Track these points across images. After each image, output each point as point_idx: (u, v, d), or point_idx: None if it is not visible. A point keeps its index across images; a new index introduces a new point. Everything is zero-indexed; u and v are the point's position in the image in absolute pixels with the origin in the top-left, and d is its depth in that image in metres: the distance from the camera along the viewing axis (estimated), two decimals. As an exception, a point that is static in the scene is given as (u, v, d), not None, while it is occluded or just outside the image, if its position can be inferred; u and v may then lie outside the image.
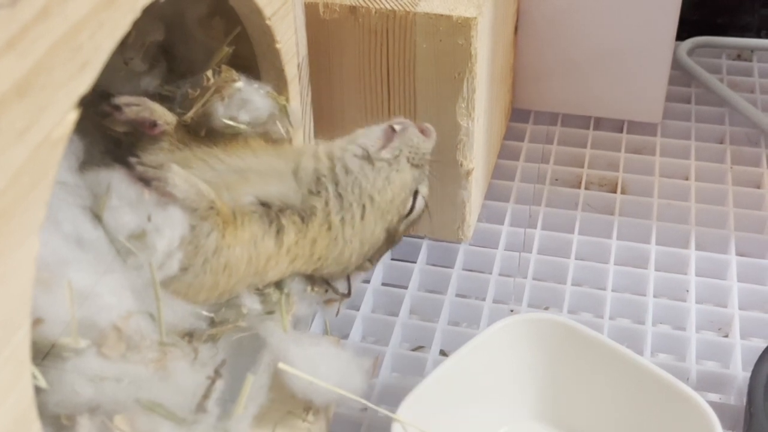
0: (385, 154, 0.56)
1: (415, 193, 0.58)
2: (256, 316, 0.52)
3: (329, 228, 0.55)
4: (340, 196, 0.55)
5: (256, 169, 0.54)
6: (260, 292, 0.54)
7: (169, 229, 0.46)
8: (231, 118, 0.54)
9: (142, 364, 0.44)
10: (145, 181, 0.48)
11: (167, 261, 0.46)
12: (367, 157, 0.56)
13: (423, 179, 0.59)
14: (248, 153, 0.55)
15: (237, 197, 0.52)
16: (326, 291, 0.58)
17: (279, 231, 0.53)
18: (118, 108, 0.53)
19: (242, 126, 0.55)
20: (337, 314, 0.59)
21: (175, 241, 0.46)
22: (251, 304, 0.52)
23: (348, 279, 0.59)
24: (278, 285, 0.54)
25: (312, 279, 0.57)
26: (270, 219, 0.52)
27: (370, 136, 0.57)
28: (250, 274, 0.52)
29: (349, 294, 0.59)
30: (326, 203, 0.55)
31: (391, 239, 0.58)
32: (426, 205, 0.59)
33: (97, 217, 0.45)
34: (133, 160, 0.49)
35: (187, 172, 0.50)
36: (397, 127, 0.57)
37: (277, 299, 0.53)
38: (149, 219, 0.45)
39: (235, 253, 0.50)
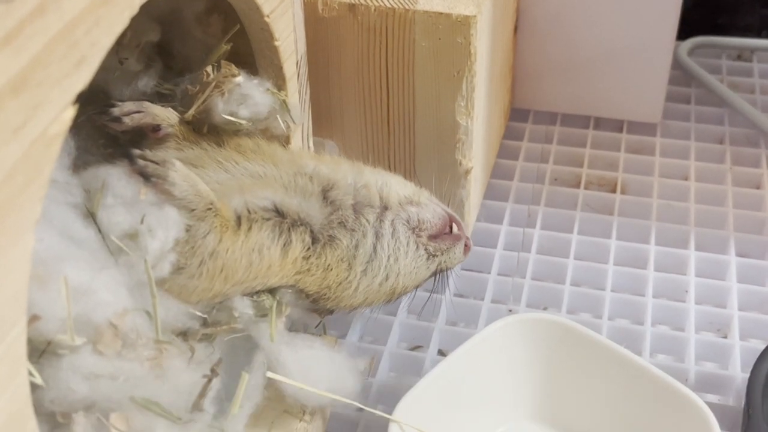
0: (431, 248, 0.57)
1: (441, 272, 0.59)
2: (248, 319, 0.52)
3: (349, 268, 0.54)
4: (375, 253, 0.55)
5: (278, 179, 0.54)
6: (253, 297, 0.53)
7: (163, 230, 0.46)
8: (231, 114, 0.54)
9: (138, 362, 0.44)
10: (145, 177, 0.47)
11: (159, 262, 0.45)
12: (417, 235, 0.56)
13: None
14: (269, 162, 0.55)
15: (251, 199, 0.51)
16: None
17: (286, 244, 0.51)
18: (117, 120, 0.52)
19: (242, 122, 0.55)
20: (317, 326, 0.59)
21: (168, 243, 0.46)
22: (243, 308, 0.51)
23: None
24: (272, 291, 0.53)
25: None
26: (281, 230, 0.51)
27: (431, 211, 0.57)
28: (249, 279, 0.51)
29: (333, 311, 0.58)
30: (356, 247, 0.54)
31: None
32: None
33: (91, 214, 0.44)
34: (135, 152, 0.49)
35: (189, 171, 0.49)
36: (455, 230, 0.58)
37: (269, 305, 0.52)
38: (142, 220, 0.45)
39: (233, 257, 0.49)
